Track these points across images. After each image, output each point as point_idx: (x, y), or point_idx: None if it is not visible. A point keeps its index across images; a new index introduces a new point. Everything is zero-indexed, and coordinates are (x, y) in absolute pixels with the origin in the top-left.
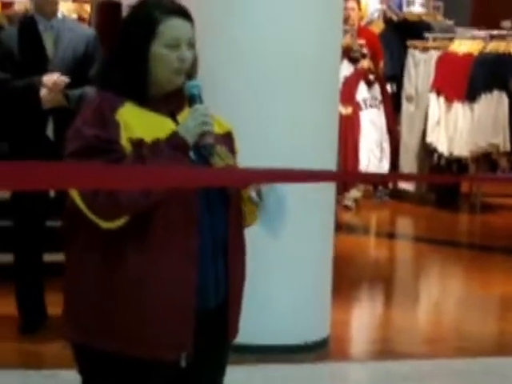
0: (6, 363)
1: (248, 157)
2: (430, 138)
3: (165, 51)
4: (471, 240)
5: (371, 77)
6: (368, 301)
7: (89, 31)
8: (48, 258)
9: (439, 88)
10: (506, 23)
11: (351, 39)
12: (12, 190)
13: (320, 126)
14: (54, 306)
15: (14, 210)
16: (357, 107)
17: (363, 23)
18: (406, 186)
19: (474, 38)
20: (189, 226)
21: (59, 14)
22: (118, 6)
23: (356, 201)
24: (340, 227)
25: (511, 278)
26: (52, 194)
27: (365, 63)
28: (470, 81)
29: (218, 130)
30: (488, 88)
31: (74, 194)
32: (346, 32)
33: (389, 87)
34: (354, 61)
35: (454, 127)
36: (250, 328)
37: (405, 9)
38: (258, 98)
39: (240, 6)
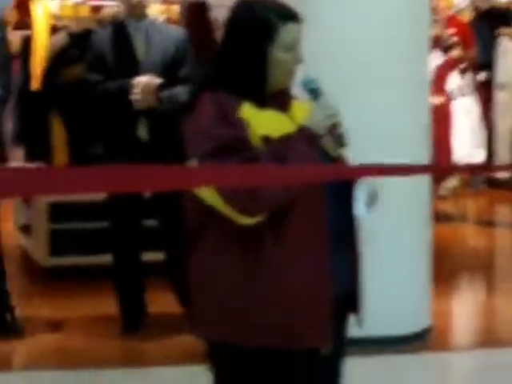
0: (110, 361)
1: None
2: None
3: (283, 54)
4: None
5: (463, 65)
6: (469, 290)
7: (178, 33)
8: (146, 257)
9: None
10: None
11: (441, 29)
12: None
13: (412, 117)
14: (154, 304)
15: (110, 210)
16: (449, 97)
17: (452, 12)
18: (502, 173)
19: None
20: (319, 219)
21: (148, 17)
22: (206, 6)
23: (453, 190)
24: (438, 217)
25: None
26: (147, 194)
27: (456, 52)
28: None
29: None
30: None
31: (209, 195)
32: (434, 22)
33: (481, 75)
34: (445, 50)
35: None
36: (351, 320)
37: None
38: (347, 91)
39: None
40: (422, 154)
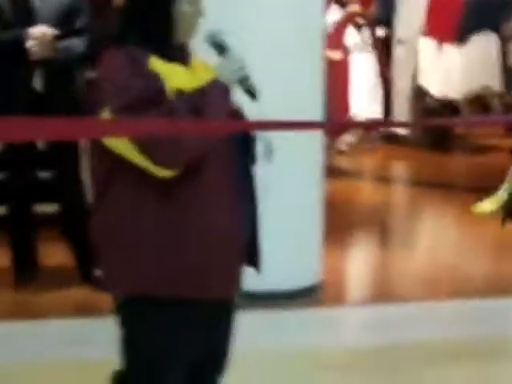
0: (1, 314)
1: None
2: (421, 81)
3: (187, 8)
4: (465, 181)
5: (360, 21)
6: (363, 245)
7: None
8: (39, 208)
9: (430, 30)
10: None
11: None
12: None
13: (304, 71)
14: (46, 256)
15: (3, 162)
16: (346, 52)
17: None
18: (400, 129)
19: None
20: (228, 169)
21: None
22: None
23: (350, 145)
24: (333, 172)
25: None
26: (40, 145)
27: (353, 7)
28: (460, 23)
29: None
30: (479, 30)
31: (123, 147)
32: None
33: (380, 31)
34: (342, 5)
35: (445, 70)
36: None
37: None
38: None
39: None
40: (315, 109)
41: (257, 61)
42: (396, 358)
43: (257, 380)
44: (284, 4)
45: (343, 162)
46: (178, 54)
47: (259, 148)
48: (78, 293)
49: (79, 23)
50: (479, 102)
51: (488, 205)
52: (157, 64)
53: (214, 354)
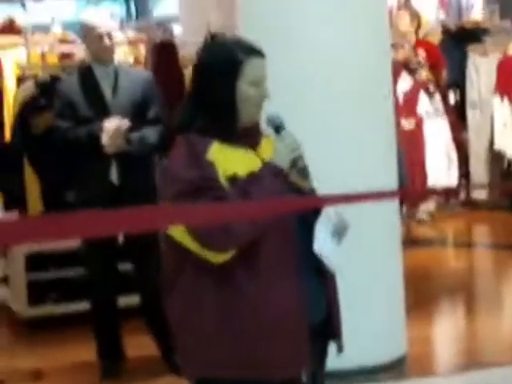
0: None
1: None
2: (497, 144)
3: (249, 89)
4: None
5: (431, 87)
6: (450, 313)
7: (144, 74)
8: (122, 301)
9: (502, 91)
10: None
11: (409, 51)
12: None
13: (376, 139)
14: (132, 348)
15: (85, 257)
16: (419, 119)
17: (421, 35)
18: (479, 194)
19: None
20: (288, 249)
21: (115, 60)
22: (174, 46)
23: (430, 214)
24: (416, 241)
25: None
26: (121, 238)
27: (423, 74)
28: None
29: None
30: None
31: (180, 235)
32: (402, 45)
33: (452, 96)
34: (412, 72)
35: None
36: (330, 349)
37: (464, 15)
38: (312, 119)
39: (296, 20)
40: (390, 179)
41: (333, 132)
42: None
43: None
44: (356, 75)
45: (424, 231)
46: (243, 137)
47: (326, 228)
48: (166, 382)
49: (152, 113)
50: None
51: None
52: (216, 151)
53: None
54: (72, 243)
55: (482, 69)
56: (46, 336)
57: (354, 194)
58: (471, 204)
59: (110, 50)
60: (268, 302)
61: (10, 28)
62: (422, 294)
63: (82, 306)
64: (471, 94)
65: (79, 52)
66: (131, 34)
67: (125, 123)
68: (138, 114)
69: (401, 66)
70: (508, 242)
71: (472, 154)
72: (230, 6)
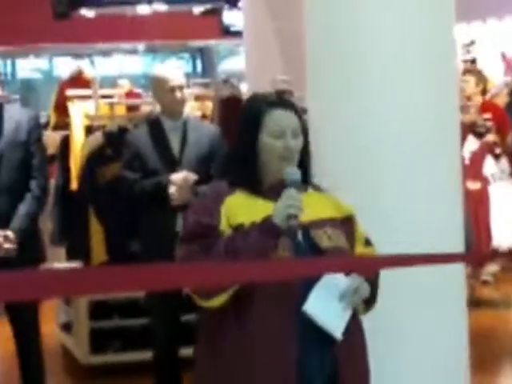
0: None
1: (372, 234)
2: None
3: (270, 140)
4: None
5: (498, 150)
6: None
7: (212, 129)
8: (184, 352)
9: None
10: None
11: (475, 114)
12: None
13: (443, 201)
14: None
15: (149, 307)
16: (485, 182)
17: (488, 97)
18: None
19: None
20: (285, 305)
21: (183, 113)
22: (240, 101)
23: (494, 275)
24: (480, 303)
25: None
26: (185, 289)
27: (490, 137)
28: None
29: (334, 213)
30: None
31: None
32: (468, 107)
33: None
34: (479, 136)
35: None
36: None
37: None
38: (380, 177)
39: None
40: (456, 241)
41: (397, 191)
42: None
43: None
44: (424, 133)
45: (488, 292)
46: (270, 190)
47: (320, 292)
48: None
49: (213, 168)
50: None
51: None
52: (235, 199)
53: None
54: (136, 293)
55: None
56: None
57: (417, 257)
58: None
59: (181, 103)
60: (252, 354)
61: (79, 80)
62: (485, 356)
63: (144, 355)
64: None
65: (145, 105)
66: (198, 89)
67: (192, 177)
68: (205, 168)
69: (467, 129)
70: None
71: None
72: (297, 62)
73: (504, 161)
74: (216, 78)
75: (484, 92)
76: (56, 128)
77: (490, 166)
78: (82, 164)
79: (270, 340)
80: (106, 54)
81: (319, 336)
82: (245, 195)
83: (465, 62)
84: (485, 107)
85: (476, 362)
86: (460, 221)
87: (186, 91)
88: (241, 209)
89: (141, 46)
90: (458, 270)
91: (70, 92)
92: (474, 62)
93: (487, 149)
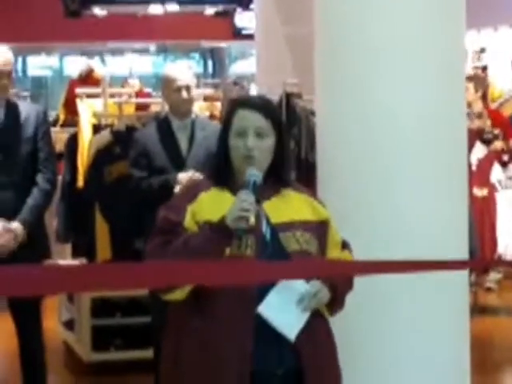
0: None
1: (375, 237)
2: None
3: (234, 140)
4: None
5: (505, 157)
6: None
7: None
8: None
9: None
10: None
11: (483, 121)
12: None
13: (449, 208)
14: None
15: (151, 306)
16: (492, 189)
17: (496, 104)
18: None
19: None
20: (244, 301)
21: (192, 113)
22: None
23: (498, 282)
24: (482, 310)
25: None
26: None
27: (498, 144)
28: None
29: (309, 216)
30: None
31: None
32: (476, 115)
33: None
34: (486, 143)
35: None
36: None
37: None
38: (386, 181)
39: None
40: (461, 248)
41: (403, 195)
42: None
43: None
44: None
45: (491, 299)
46: (239, 188)
47: (278, 296)
48: None
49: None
50: None
51: None
52: (206, 197)
53: None
54: (138, 291)
55: None
56: (107, 381)
57: (421, 263)
58: None
59: (187, 103)
60: (212, 345)
61: (89, 78)
62: (486, 363)
63: (146, 353)
64: None
65: (155, 104)
66: (207, 90)
67: (198, 176)
68: None
69: (475, 136)
70: None
71: None
72: (306, 66)
73: (511, 168)
74: (226, 79)
75: (485, 97)
76: (64, 125)
77: (497, 172)
78: (89, 162)
79: (226, 333)
80: (117, 53)
81: (278, 333)
82: (218, 192)
83: (475, 69)
84: (492, 114)
85: (477, 368)
86: (465, 227)
87: (196, 91)
88: (211, 205)
89: (152, 46)
90: (462, 277)
91: (79, 90)
92: (484, 69)
93: (495, 156)
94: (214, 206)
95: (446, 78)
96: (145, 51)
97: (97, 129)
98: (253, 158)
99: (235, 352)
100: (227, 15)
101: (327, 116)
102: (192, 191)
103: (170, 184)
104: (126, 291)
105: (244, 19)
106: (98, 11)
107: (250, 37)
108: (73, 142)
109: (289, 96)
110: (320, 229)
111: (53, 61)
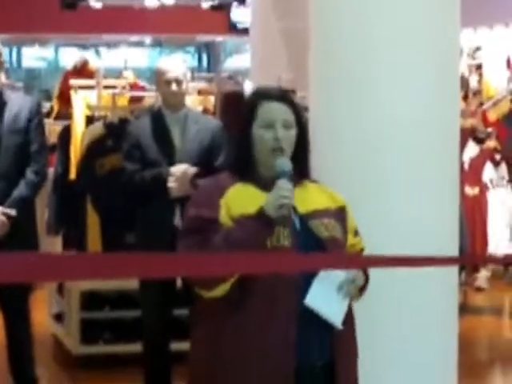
0: None
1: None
2: None
3: (261, 132)
4: None
5: (497, 156)
6: (502, 382)
7: (214, 123)
8: (174, 346)
9: None
10: None
11: (476, 120)
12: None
13: (439, 206)
14: None
15: (141, 300)
16: (484, 188)
17: (490, 104)
18: None
19: None
20: (288, 292)
21: (185, 106)
22: (242, 96)
23: (486, 281)
24: (471, 309)
25: None
26: (179, 283)
27: (491, 143)
28: None
29: (330, 204)
30: None
31: None
32: (470, 114)
33: None
34: (479, 141)
35: None
36: None
37: None
38: (373, 175)
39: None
40: (451, 245)
41: (394, 192)
42: None
43: None
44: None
45: (480, 298)
46: (267, 181)
47: (322, 285)
48: None
49: (219, 161)
50: None
51: None
52: (234, 192)
53: None
54: (128, 284)
55: None
56: (95, 375)
57: (411, 258)
58: None
59: (177, 96)
60: (255, 342)
61: (84, 70)
62: (474, 363)
63: (135, 347)
64: None
65: (149, 97)
66: (202, 84)
67: (191, 169)
68: (206, 161)
69: (467, 135)
70: None
71: None
72: (301, 62)
73: (503, 167)
74: (220, 74)
75: (466, 97)
76: (58, 117)
77: (489, 172)
78: (82, 154)
79: (270, 326)
80: (112, 45)
81: (319, 324)
82: (244, 187)
83: (470, 67)
84: (485, 114)
85: (465, 368)
86: (456, 225)
87: (190, 85)
88: (241, 200)
89: (147, 39)
90: (451, 276)
91: (73, 81)
92: (479, 67)
93: (487, 155)
94: (243, 200)
95: (441, 75)
96: (140, 44)
97: (90, 120)
98: (282, 150)
99: (280, 345)
100: (223, 9)
101: (321, 112)
102: (216, 187)
103: (162, 177)
104: (115, 284)
105: (240, 14)
106: (94, 3)
107: (245, 31)
108: (66, 133)
109: (279, 88)
110: (340, 215)
111: (48, 52)
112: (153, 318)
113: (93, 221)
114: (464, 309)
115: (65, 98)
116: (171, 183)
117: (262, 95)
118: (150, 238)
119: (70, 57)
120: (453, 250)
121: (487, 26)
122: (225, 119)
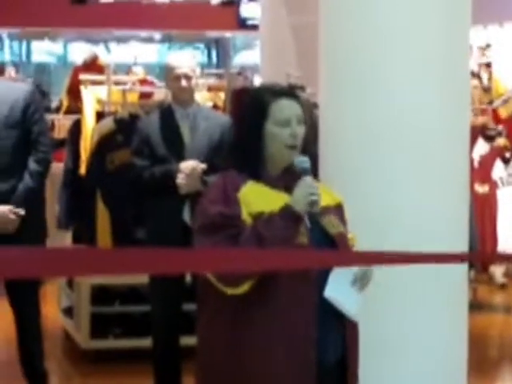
0: None
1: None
2: None
3: (277, 129)
4: None
5: (507, 154)
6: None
7: (224, 119)
8: (184, 341)
9: None
10: None
11: (487, 118)
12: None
13: (449, 204)
14: None
15: (151, 295)
16: (494, 185)
17: (499, 102)
18: None
19: None
20: (308, 288)
21: (195, 102)
22: (250, 92)
23: (498, 278)
24: (481, 307)
25: None
26: (188, 278)
27: (501, 141)
28: None
29: (330, 201)
30: None
31: None
32: (480, 111)
33: None
34: (489, 139)
35: None
36: None
37: None
38: (383, 172)
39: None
40: (461, 242)
41: (404, 189)
42: None
43: None
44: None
45: (491, 296)
46: (278, 179)
47: (340, 278)
48: None
49: (221, 158)
50: None
51: None
52: (248, 189)
53: None
54: (138, 279)
55: None
56: (105, 369)
57: (421, 255)
58: None
59: (186, 92)
60: (277, 338)
61: (93, 65)
62: (484, 360)
63: (144, 342)
64: None
65: (158, 93)
66: (211, 80)
67: (201, 166)
68: (215, 157)
69: (477, 132)
70: None
71: None
72: (310, 58)
73: None
74: (230, 70)
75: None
76: (68, 112)
77: (499, 169)
78: (92, 149)
79: (292, 321)
80: (121, 41)
81: (335, 319)
82: (255, 185)
83: (480, 65)
84: (496, 111)
85: (475, 365)
86: (465, 223)
87: (199, 81)
88: (256, 198)
89: (157, 35)
90: (461, 273)
91: (83, 76)
92: (489, 65)
93: (497, 153)
94: (258, 198)
95: (451, 72)
96: (150, 40)
97: (100, 116)
98: (297, 147)
99: (300, 341)
100: (233, 5)
101: (330, 109)
102: (233, 184)
103: (171, 173)
104: (126, 279)
105: (249, 9)
106: None
107: (255, 27)
108: (76, 128)
109: (292, 88)
110: (339, 211)
111: (57, 47)
112: (163, 313)
113: (103, 216)
114: (473, 306)
115: (74, 93)
116: (180, 179)
117: (272, 92)
118: (160, 233)
119: (79, 52)
120: (462, 248)
121: (497, 24)
122: (234, 115)
